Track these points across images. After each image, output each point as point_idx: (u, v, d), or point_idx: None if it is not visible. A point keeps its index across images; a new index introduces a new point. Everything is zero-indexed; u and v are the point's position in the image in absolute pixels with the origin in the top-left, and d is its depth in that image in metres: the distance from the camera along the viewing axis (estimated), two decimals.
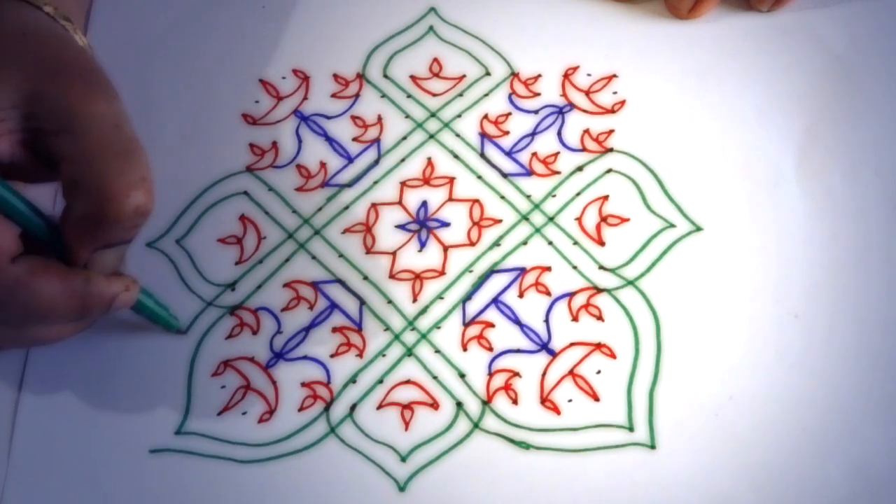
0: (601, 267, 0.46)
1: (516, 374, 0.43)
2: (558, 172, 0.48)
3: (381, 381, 0.44)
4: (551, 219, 0.47)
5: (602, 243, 0.46)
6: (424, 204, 0.48)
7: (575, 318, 0.44)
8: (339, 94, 0.51)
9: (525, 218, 0.47)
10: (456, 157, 0.49)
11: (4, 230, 0.37)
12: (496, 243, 0.46)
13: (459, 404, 0.43)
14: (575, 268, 0.46)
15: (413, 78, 0.51)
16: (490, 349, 0.44)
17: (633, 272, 0.45)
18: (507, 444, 0.42)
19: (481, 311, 0.45)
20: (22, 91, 0.37)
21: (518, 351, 0.44)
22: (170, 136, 0.50)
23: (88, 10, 0.53)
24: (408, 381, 0.44)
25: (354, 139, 0.50)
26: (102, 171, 0.37)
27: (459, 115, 0.50)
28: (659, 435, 0.42)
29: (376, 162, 0.49)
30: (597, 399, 0.43)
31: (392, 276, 0.46)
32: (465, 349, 0.44)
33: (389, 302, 0.45)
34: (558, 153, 0.48)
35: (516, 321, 0.45)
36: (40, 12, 0.41)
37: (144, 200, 0.38)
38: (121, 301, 0.40)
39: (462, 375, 0.44)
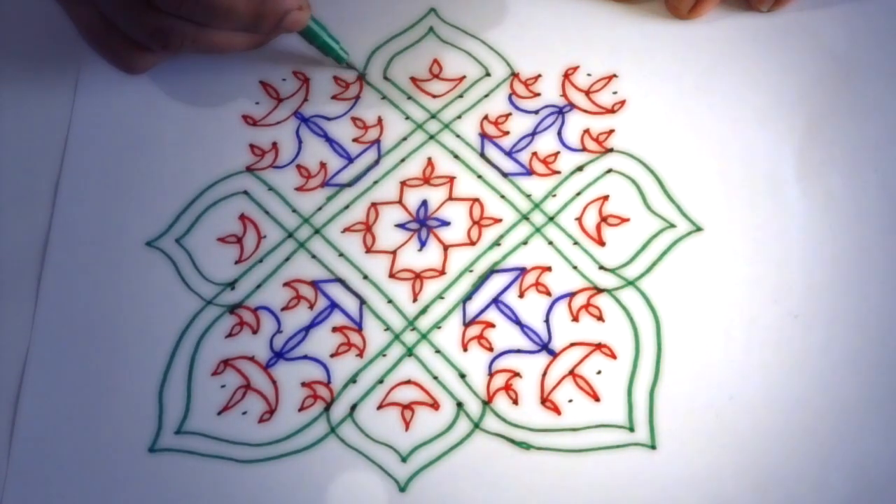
0: (601, 267, 0.46)
1: (517, 374, 0.43)
2: (558, 172, 0.48)
3: (381, 381, 0.44)
4: (551, 219, 0.47)
5: (602, 243, 0.46)
6: (424, 203, 0.48)
7: (575, 319, 0.44)
8: (340, 96, 0.51)
9: (525, 218, 0.47)
10: (456, 157, 0.49)
11: None
12: (496, 243, 0.46)
13: (460, 404, 0.43)
14: (575, 268, 0.46)
15: (413, 79, 0.51)
16: (490, 349, 0.44)
17: (633, 272, 0.45)
18: (507, 445, 0.42)
19: (481, 311, 0.45)
20: None
21: (518, 351, 0.44)
22: (170, 137, 0.50)
23: None
24: (408, 381, 0.44)
25: (354, 140, 0.50)
26: None
27: (459, 116, 0.50)
28: (659, 435, 0.42)
29: (376, 162, 0.49)
30: (597, 399, 0.43)
31: (392, 276, 0.46)
32: (465, 349, 0.44)
33: (390, 301, 0.45)
34: (558, 153, 0.48)
35: (516, 321, 0.45)
36: None
37: None
38: (292, 18, 0.46)
39: (462, 375, 0.44)
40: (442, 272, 0.46)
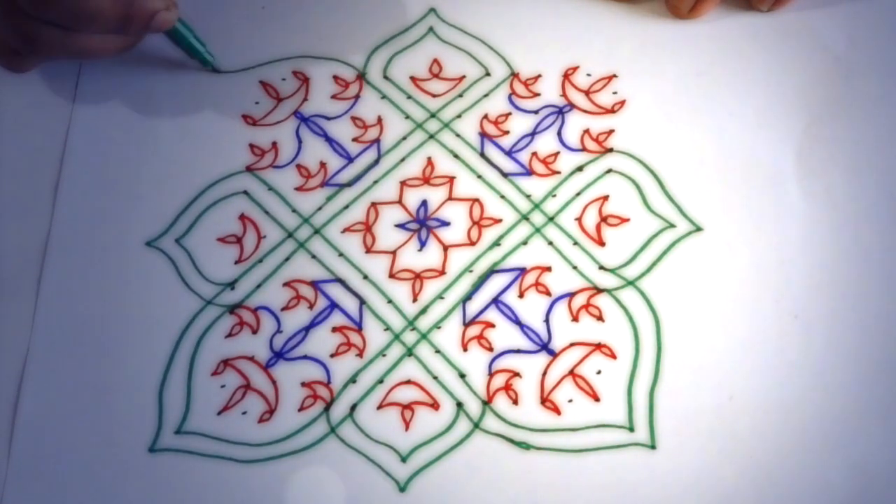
0: (601, 267, 0.46)
1: (516, 374, 0.43)
2: (558, 172, 0.48)
3: (381, 381, 0.44)
4: (551, 219, 0.47)
5: (602, 243, 0.46)
6: (424, 203, 0.48)
7: (575, 319, 0.44)
8: (340, 96, 0.51)
9: (525, 218, 0.47)
10: (456, 156, 0.49)
11: None
12: (496, 243, 0.46)
13: (460, 404, 0.43)
14: (575, 268, 0.46)
15: (413, 79, 0.51)
16: (490, 349, 0.44)
17: (633, 272, 0.45)
18: (507, 445, 0.42)
19: (481, 311, 0.45)
20: None
21: (518, 351, 0.44)
22: (170, 137, 0.50)
23: None
24: (408, 381, 0.44)
25: (354, 140, 0.50)
26: None
27: (459, 116, 0.50)
28: (659, 435, 0.42)
29: (376, 162, 0.49)
30: (597, 399, 0.43)
31: (392, 276, 0.46)
32: (465, 349, 0.44)
33: (389, 301, 0.45)
34: (558, 153, 0.48)
35: (516, 321, 0.45)
36: None
37: None
38: (160, 19, 0.45)
39: (462, 375, 0.44)
40: (442, 272, 0.46)
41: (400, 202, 0.48)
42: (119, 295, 0.46)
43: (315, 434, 0.43)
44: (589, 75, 0.50)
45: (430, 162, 0.49)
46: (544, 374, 0.43)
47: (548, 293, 0.45)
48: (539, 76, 0.51)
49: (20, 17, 0.43)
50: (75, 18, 0.43)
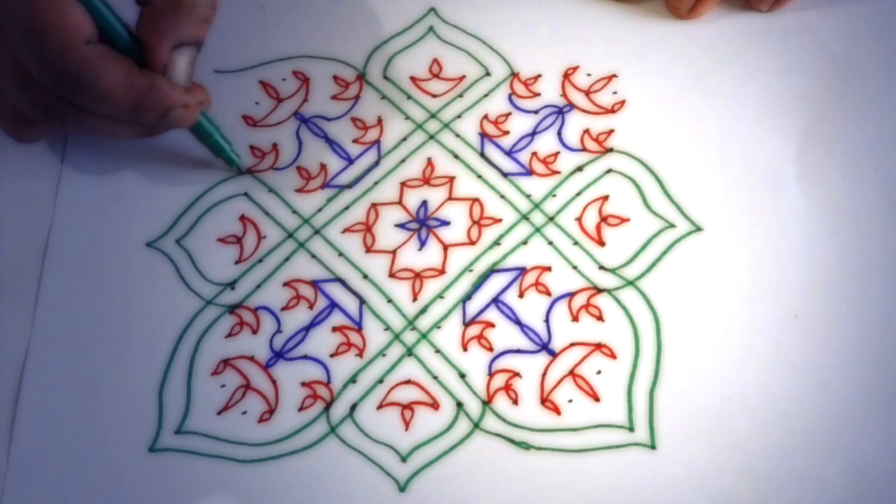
0: (601, 267, 0.46)
1: (516, 374, 0.43)
2: (558, 172, 0.48)
3: (381, 381, 0.44)
4: (551, 218, 0.47)
5: (602, 243, 0.46)
6: (424, 203, 0.48)
7: (575, 319, 0.44)
8: (340, 96, 0.51)
9: (525, 217, 0.47)
10: (456, 156, 0.49)
11: (85, 17, 0.41)
12: (496, 243, 0.46)
13: (460, 404, 0.43)
14: (575, 268, 0.46)
15: (413, 79, 0.51)
16: (490, 349, 0.44)
17: (633, 272, 0.45)
18: (507, 445, 0.42)
19: (481, 311, 0.45)
20: None
21: (518, 351, 0.44)
22: (170, 138, 0.50)
23: None
24: (408, 381, 0.44)
25: (354, 140, 0.50)
26: None
27: (459, 116, 0.50)
28: (659, 435, 0.42)
29: (376, 163, 0.49)
30: (597, 399, 0.43)
31: (392, 276, 0.46)
32: (465, 349, 0.44)
33: (389, 301, 0.45)
34: (558, 153, 0.48)
35: (516, 321, 0.45)
36: None
37: None
38: (176, 115, 0.44)
39: (462, 375, 0.44)
40: (442, 272, 0.46)
41: (400, 202, 0.48)
42: (119, 295, 0.46)
43: (315, 434, 0.43)
44: (589, 75, 0.50)
45: (430, 162, 0.49)
46: (544, 374, 0.43)
47: (548, 293, 0.45)
48: (539, 76, 0.51)
49: (36, 87, 0.42)
50: (87, 99, 0.42)
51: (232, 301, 0.46)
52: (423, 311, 0.45)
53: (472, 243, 0.46)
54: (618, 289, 0.45)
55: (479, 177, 0.48)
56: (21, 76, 0.42)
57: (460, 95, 0.51)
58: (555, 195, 0.47)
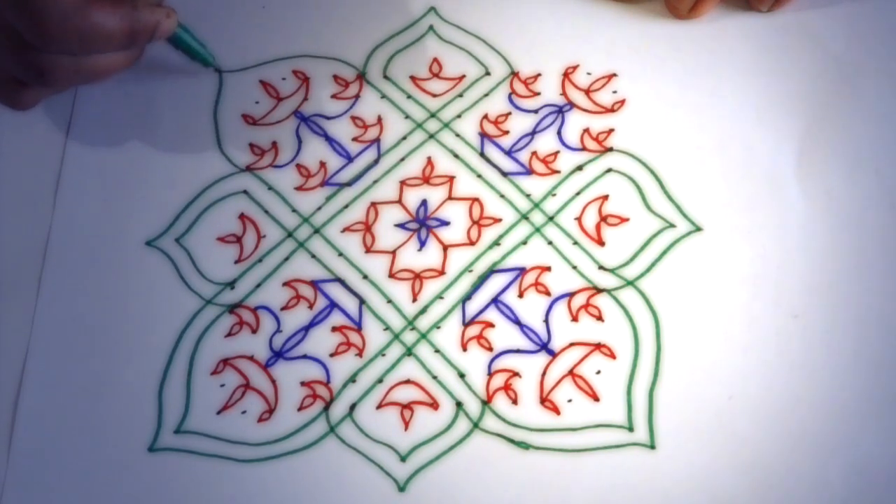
0: (601, 267, 0.45)
1: (516, 374, 0.43)
2: (558, 172, 0.48)
3: (380, 381, 0.44)
4: (551, 218, 0.47)
5: (602, 243, 0.46)
6: (424, 203, 0.48)
7: (575, 319, 0.44)
8: (340, 95, 0.51)
9: (525, 217, 0.47)
10: (456, 156, 0.49)
11: None
12: (496, 242, 0.46)
13: (459, 404, 0.43)
14: (575, 268, 0.46)
15: (413, 78, 0.51)
16: (490, 349, 0.44)
17: (632, 272, 0.45)
18: (506, 444, 0.42)
19: (481, 311, 0.45)
20: None
21: (518, 351, 0.44)
22: (170, 136, 0.50)
23: None
24: (407, 381, 0.44)
25: (354, 139, 0.50)
26: None
27: (459, 116, 0.50)
28: (659, 435, 0.42)
29: (376, 161, 0.49)
30: (597, 399, 0.43)
31: (392, 276, 0.46)
32: (464, 349, 0.44)
33: (389, 301, 0.45)
34: (558, 152, 0.48)
35: (516, 321, 0.45)
36: None
37: None
38: (163, 27, 0.46)
39: (462, 375, 0.44)
40: (441, 272, 0.46)
41: (400, 202, 0.48)
42: (119, 294, 0.46)
43: (314, 433, 0.43)
44: (589, 74, 0.50)
45: (429, 162, 0.49)
46: (544, 373, 0.43)
47: (547, 293, 0.45)
48: (539, 75, 0.51)
49: (31, 51, 0.43)
50: (85, 43, 0.43)
51: (231, 301, 0.46)
52: (423, 311, 0.45)
53: (472, 243, 0.46)
54: (617, 289, 0.45)
55: (479, 176, 0.48)
56: (14, 42, 0.43)
57: (460, 95, 0.50)
58: (555, 194, 0.47)
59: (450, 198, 0.48)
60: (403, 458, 0.42)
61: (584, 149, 0.48)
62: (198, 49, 0.50)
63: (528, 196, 0.47)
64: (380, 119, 0.50)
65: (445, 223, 0.47)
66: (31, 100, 0.48)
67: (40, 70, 0.44)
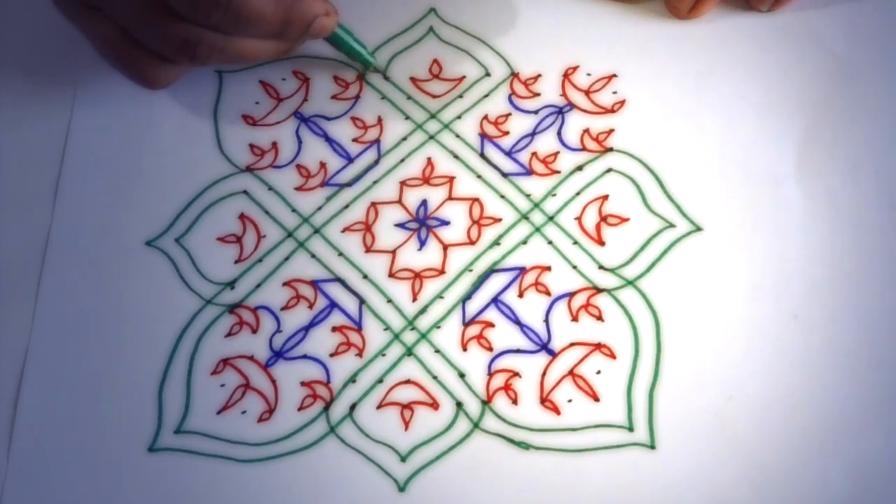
0: (601, 267, 0.45)
1: (516, 374, 0.43)
2: (558, 172, 0.48)
3: (380, 381, 0.44)
4: (551, 218, 0.47)
5: (602, 243, 0.46)
6: (424, 203, 0.48)
7: (575, 318, 0.44)
8: (340, 96, 0.51)
9: (525, 217, 0.47)
10: (456, 157, 0.49)
11: None
12: (496, 242, 0.46)
13: (459, 404, 0.43)
14: (575, 268, 0.46)
15: (413, 80, 0.51)
16: (490, 349, 0.44)
17: (633, 272, 0.45)
18: (506, 444, 0.42)
19: (481, 311, 0.45)
20: None
21: (518, 351, 0.44)
22: (170, 136, 0.50)
23: None
24: (408, 381, 0.44)
25: (354, 140, 0.50)
26: None
27: (459, 116, 0.50)
28: (659, 435, 0.42)
29: (376, 162, 0.49)
30: (597, 399, 0.43)
31: (392, 275, 0.46)
32: (464, 349, 0.44)
33: (389, 301, 0.45)
34: (558, 153, 0.48)
35: (516, 321, 0.45)
36: None
37: None
38: (319, 24, 0.45)
39: (462, 375, 0.44)
40: (441, 272, 0.46)
41: (400, 202, 0.48)
42: (119, 295, 0.46)
43: (314, 433, 0.43)
44: (589, 75, 0.50)
45: (429, 162, 0.49)
46: (544, 373, 0.43)
47: (547, 293, 0.45)
48: (539, 76, 0.51)
49: (179, 24, 0.43)
50: (238, 22, 0.43)
51: (231, 300, 0.46)
52: (423, 311, 0.45)
53: (472, 243, 0.46)
54: (617, 288, 0.45)
55: (479, 177, 0.48)
56: (162, 16, 0.43)
57: (460, 96, 0.51)
58: (555, 195, 0.47)
59: (450, 198, 0.48)
60: (403, 459, 0.42)
61: (584, 149, 0.48)
62: (359, 51, 0.50)
63: (528, 196, 0.47)
64: (380, 120, 0.50)
65: (445, 223, 0.47)
66: (167, 77, 0.47)
67: (186, 43, 0.43)
